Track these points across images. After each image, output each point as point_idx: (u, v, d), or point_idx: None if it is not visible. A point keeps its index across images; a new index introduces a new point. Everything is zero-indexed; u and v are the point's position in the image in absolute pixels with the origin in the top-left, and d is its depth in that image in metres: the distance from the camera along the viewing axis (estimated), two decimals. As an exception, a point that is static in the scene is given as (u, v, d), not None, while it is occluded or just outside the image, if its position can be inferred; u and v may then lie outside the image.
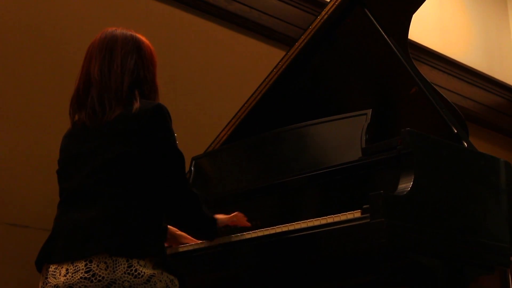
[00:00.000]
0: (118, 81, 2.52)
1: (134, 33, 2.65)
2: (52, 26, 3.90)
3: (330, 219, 2.54)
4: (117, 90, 2.51)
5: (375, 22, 3.31)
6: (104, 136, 2.46)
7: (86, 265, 2.30)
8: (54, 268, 2.36)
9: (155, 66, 2.65)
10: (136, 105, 2.48)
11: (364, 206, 2.45)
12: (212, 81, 4.56)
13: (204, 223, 2.67)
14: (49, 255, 2.40)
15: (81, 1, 4.06)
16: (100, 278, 2.28)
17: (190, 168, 3.42)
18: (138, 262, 2.32)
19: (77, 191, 2.45)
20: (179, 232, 2.92)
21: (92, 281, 2.28)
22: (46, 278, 2.38)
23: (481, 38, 6.78)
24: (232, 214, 2.81)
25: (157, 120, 2.48)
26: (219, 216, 2.75)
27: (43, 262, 2.43)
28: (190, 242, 2.93)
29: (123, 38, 2.61)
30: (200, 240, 2.83)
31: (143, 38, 2.66)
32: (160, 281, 2.35)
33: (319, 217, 2.58)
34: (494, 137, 6.66)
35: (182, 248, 2.92)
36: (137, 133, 2.44)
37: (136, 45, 2.61)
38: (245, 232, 2.77)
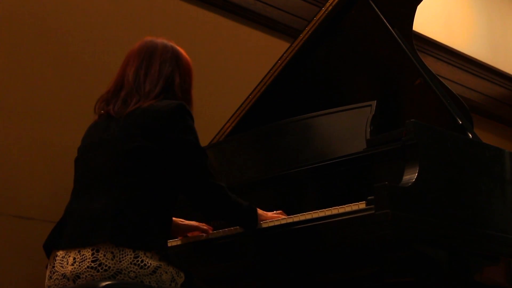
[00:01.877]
0: (153, 83, 2.56)
1: (174, 44, 2.69)
2: (57, 18, 3.90)
3: (334, 210, 2.54)
4: (150, 92, 2.55)
5: (379, 13, 3.30)
6: (124, 128, 2.49)
7: (93, 254, 2.31)
8: (62, 257, 2.38)
9: (191, 79, 2.71)
10: (159, 102, 2.51)
11: (369, 198, 2.45)
12: (216, 73, 4.55)
13: (240, 212, 2.64)
14: (57, 240, 2.43)
15: (85, -7, 4.06)
16: (106, 268, 2.30)
17: (195, 160, 3.42)
18: (144, 254, 2.33)
19: (91, 179, 2.48)
20: (184, 223, 2.93)
21: (98, 271, 2.30)
22: (54, 267, 2.41)
23: (486, 29, 6.77)
24: (277, 212, 2.79)
25: (178, 118, 2.50)
26: (264, 212, 2.73)
27: (51, 247, 2.45)
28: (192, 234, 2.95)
29: (163, 46, 2.66)
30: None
31: (182, 50, 2.71)
32: (166, 272, 2.36)
33: (324, 208, 2.58)
34: (499, 128, 6.66)
35: (183, 241, 2.92)
36: (157, 128, 2.47)
37: (175, 54, 2.66)
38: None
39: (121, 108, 2.54)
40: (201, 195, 2.56)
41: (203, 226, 2.91)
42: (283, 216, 2.76)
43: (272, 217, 2.74)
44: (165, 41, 2.68)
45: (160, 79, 2.58)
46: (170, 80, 2.60)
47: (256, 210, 2.69)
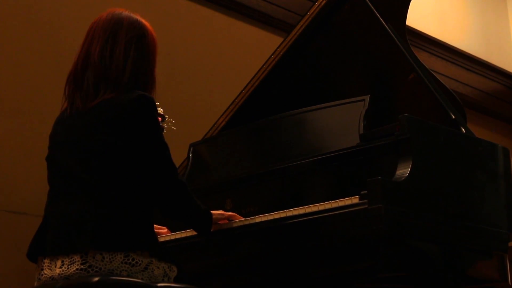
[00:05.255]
0: (119, 68, 2.48)
1: (140, 19, 2.60)
2: (51, 14, 3.89)
3: (328, 205, 2.54)
4: (117, 77, 2.47)
5: (373, 8, 3.30)
6: (89, 125, 2.43)
7: (82, 257, 2.28)
8: (49, 261, 2.35)
9: (155, 56, 2.60)
10: (122, 94, 2.44)
11: (362, 192, 2.45)
12: (210, 68, 4.55)
13: (198, 216, 2.60)
14: (42, 247, 2.38)
15: (78, -12, 4.05)
16: (97, 269, 2.27)
17: (188, 154, 3.42)
18: (134, 252, 2.31)
19: (65, 181, 2.42)
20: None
21: (89, 272, 2.27)
22: (42, 269, 2.37)
23: (479, 24, 6.77)
24: (229, 214, 2.77)
25: (140, 111, 2.42)
26: (216, 213, 2.70)
27: (36, 254, 2.41)
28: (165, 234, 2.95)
29: (128, 22, 2.56)
30: (197, 233, 2.75)
31: (148, 25, 2.61)
32: (158, 268, 2.35)
33: (317, 203, 2.58)
34: (492, 123, 6.66)
35: (180, 235, 2.92)
36: (121, 123, 2.40)
37: (141, 32, 2.56)
38: (243, 218, 2.77)
39: (90, 98, 2.46)
40: (163, 189, 2.48)
41: (159, 229, 2.94)
42: (239, 217, 2.77)
43: (229, 215, 2.74)
44: (131, 15, 2.58)
45: (126, 62, 2.48)
46: (137, 64, 2.50)
47: (211, 216, 2.64)
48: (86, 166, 2.39)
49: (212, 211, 2.67)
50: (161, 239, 2.93)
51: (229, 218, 2.77)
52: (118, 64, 2.49)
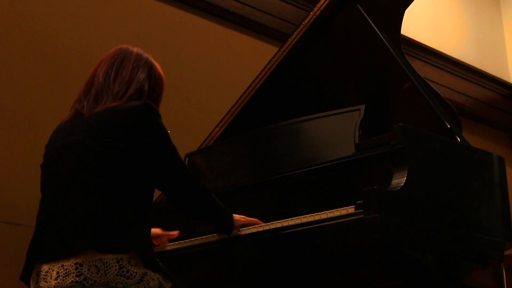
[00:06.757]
0: (123, 85, 2.53)
1: (149, 55, 2.68)
2: (44, 23, 3.89)
3: (324, 215, 2.54)
4: (118, 92, 2.52)
5: (367, 17, 3.31)
6: (89, 129, 2.45)
7: (76, 268, 2.27)
8: (45, 272, 2.34)
9: (161, 90, 2.67)
10: (124, 103, 2.49)
11: (358, 202, 2.45)
12: (205, 78, 4.55)
13: (217, 211, 2.63)
14: (40, 253, 2.38)
15: (73, -2, 4.05)
16: (92, 282, 2.26)
17: (184, 164, 3.42)
18: (129, 262, 2.30)
19: (61, 185, 2.43)
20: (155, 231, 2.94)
21: (84, 285, 2.27)
22: (37, 282, 2.37)
23: (474, 33, 6.79)
24: (252, 219, 2.78)
25: (145, 117, 2.45)
26: (237, 216, 2.72)
27: (34, 261, 2.40)
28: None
29: (137, 54, 2.64)
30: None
31: (156, 63, 2.69)
32: (153, 279, 2.34)
33: (313, 213, 2.58)
34: (487, 132, 6.67)
35: (176, 245, 2.92)
36: (125, 128, 2.43)
37: (148, 64, 2.64)
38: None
39: (92, 106, 2.51)
40: (176, 187, 2.53)
41: (169, 232, 2.94)
42: (261, 222, 2.76)
43: (250, 220, 2.74)
44: (140, 51, 2.67)
45: (130, 82, 2.55)
46: (141, 86, 2.57)
47: (231, 214, 2.68)
48: (84, 167, 2.40)
49: (234, 215, 2.70)
50: (157, 249, 2.93)
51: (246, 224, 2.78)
52: (122, 82, 2.55)
